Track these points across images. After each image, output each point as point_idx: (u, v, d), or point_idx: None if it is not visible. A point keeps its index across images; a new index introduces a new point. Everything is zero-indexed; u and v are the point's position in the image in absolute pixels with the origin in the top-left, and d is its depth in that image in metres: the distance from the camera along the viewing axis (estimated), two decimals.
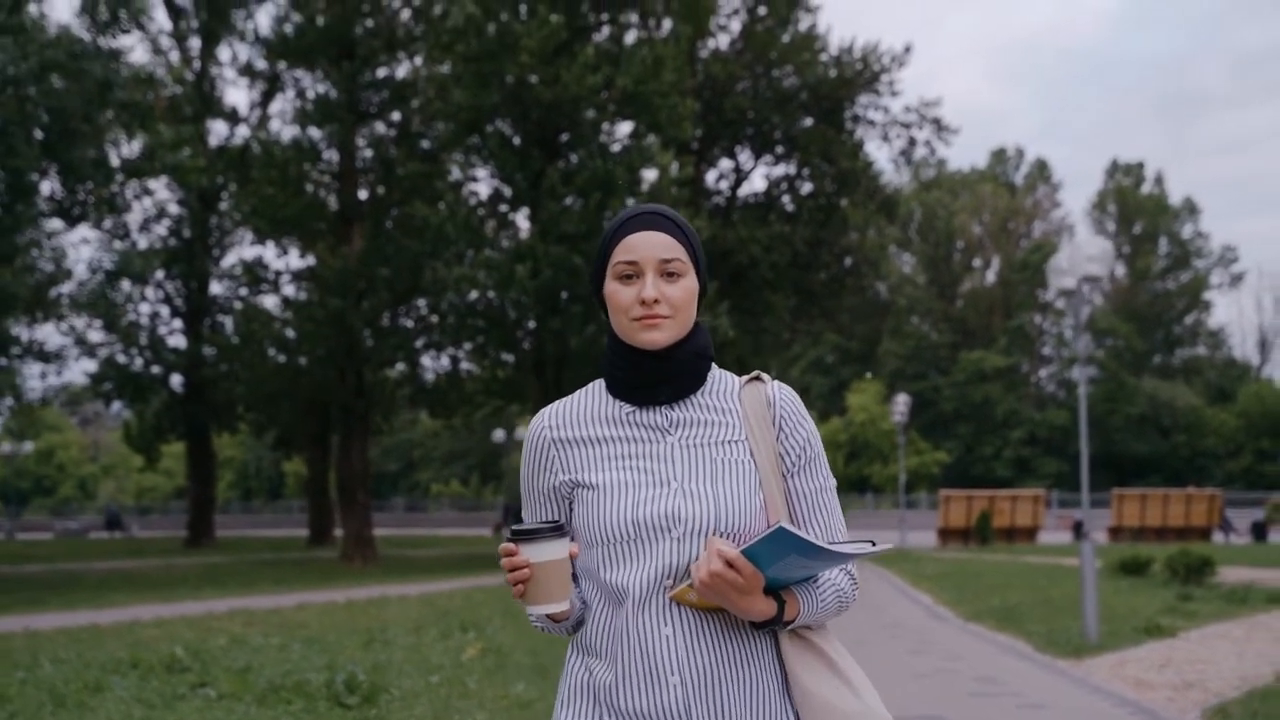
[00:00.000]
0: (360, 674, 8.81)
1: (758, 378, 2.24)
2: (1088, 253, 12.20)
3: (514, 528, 2.04)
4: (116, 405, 45.51)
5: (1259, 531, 37.31)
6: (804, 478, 2.20)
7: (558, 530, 2.01)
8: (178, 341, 42.27)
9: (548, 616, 2.12)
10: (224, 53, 42.65)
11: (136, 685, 9.21)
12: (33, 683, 9.39)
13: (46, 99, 22.98)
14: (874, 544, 2.10)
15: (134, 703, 8.46)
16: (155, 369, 41.65)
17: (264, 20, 73.28)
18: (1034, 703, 9.12)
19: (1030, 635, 13.19)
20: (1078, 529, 38.34)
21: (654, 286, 2.11)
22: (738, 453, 2.16)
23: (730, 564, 1.98)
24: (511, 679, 9.58)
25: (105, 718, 7.90)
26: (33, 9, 23.96)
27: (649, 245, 2.13)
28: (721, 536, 2.06)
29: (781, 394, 2.21)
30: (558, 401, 2.27)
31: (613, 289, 2.15)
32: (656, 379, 2.16)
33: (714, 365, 2.24)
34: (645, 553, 2.08)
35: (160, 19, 41.57)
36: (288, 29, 33.29)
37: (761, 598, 2.04)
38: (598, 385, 2.25)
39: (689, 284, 2.15)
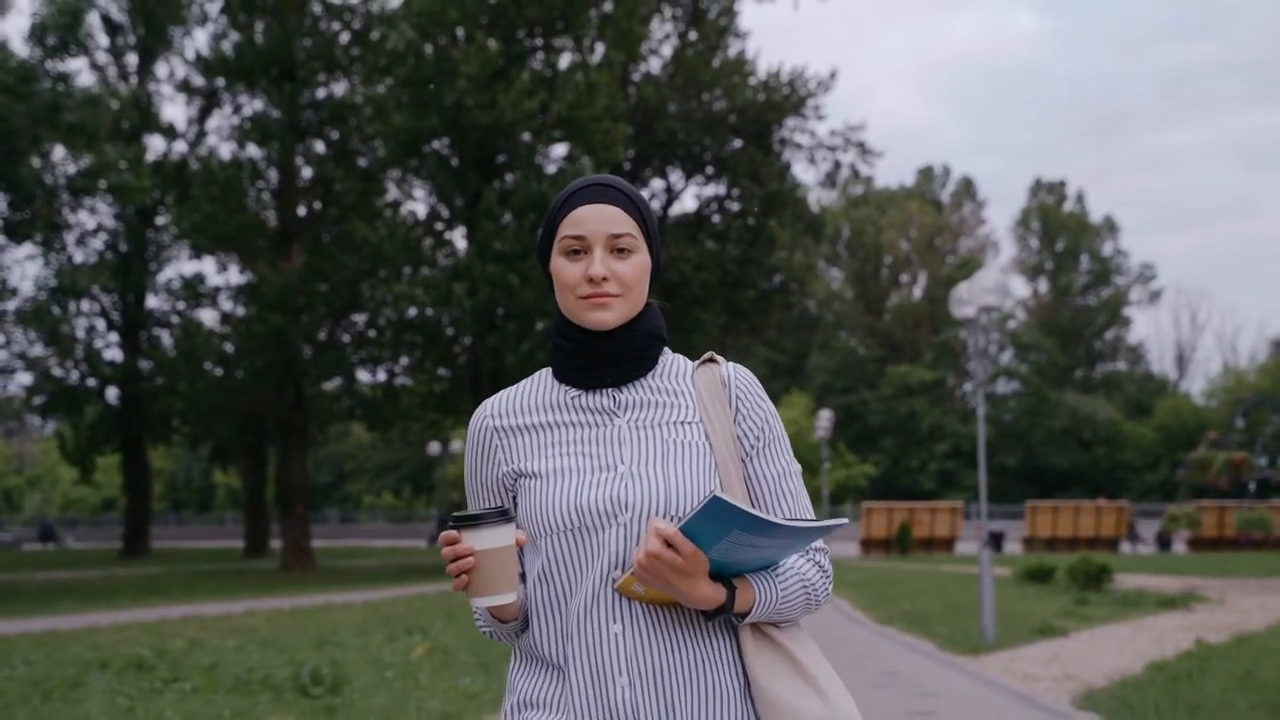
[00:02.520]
0: (324, 668, 9.71)
1: (711, 359, 2.13)
2: (985, 285, 13.41)
3: (455, 514, 1.94)
4: (42, 416, 45.89)
5: (1164, 542, 38.99)
6: (764, 461, 2.09)
7: (503, 515, 1.92)
8: (114, 355, 42.67)
9: (493, 615, 2.04)
10: (161, 68, 43.07)
11: (112, 682, 10.04)
12: (14, 679, 10.19)
13: None
14: (835, 520, 1.98)
15: (115, 695, 9.30)
16: (91, 382, 41.98)
17: (202, 38, 73.45)
18: (928, 692, 10.16)
19: (934, 636, 14.27)
20: (995, 540, 39.82)
21: (602, 263, 2.01)
22: (691, 434, 2.05)
23: (669, 543, 1.87)
24: (458, 674, 10.49)
25: (93, 707, 8.72)
26: None
27: (598, 219, 2.03)
28: (671, 520, 1.95)
29: (737, 374, 2.11)
30: (501, 391, 2.18)
31: (559, 265, 2.05)
32: (604, 360, 2.06)
33: (666, 349, 2.15)
34: (592, 542, 1.98)
35: (98, 36, 41.93)
36: (226, 47, 33.95)
37: (706, 582, 1.92)
38: (543, 373, 2.16)
39: (640, 260, 2.05)
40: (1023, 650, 12.89)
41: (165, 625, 15.90)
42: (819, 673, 2.02)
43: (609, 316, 2.02)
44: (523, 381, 2.17)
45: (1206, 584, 22.17)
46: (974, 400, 78.86)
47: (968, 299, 13.56)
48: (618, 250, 2.03)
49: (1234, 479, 22.68)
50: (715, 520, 1.84)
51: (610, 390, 2.08)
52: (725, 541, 1.87)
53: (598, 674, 1.96)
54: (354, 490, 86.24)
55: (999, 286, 13.56)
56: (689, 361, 2.15)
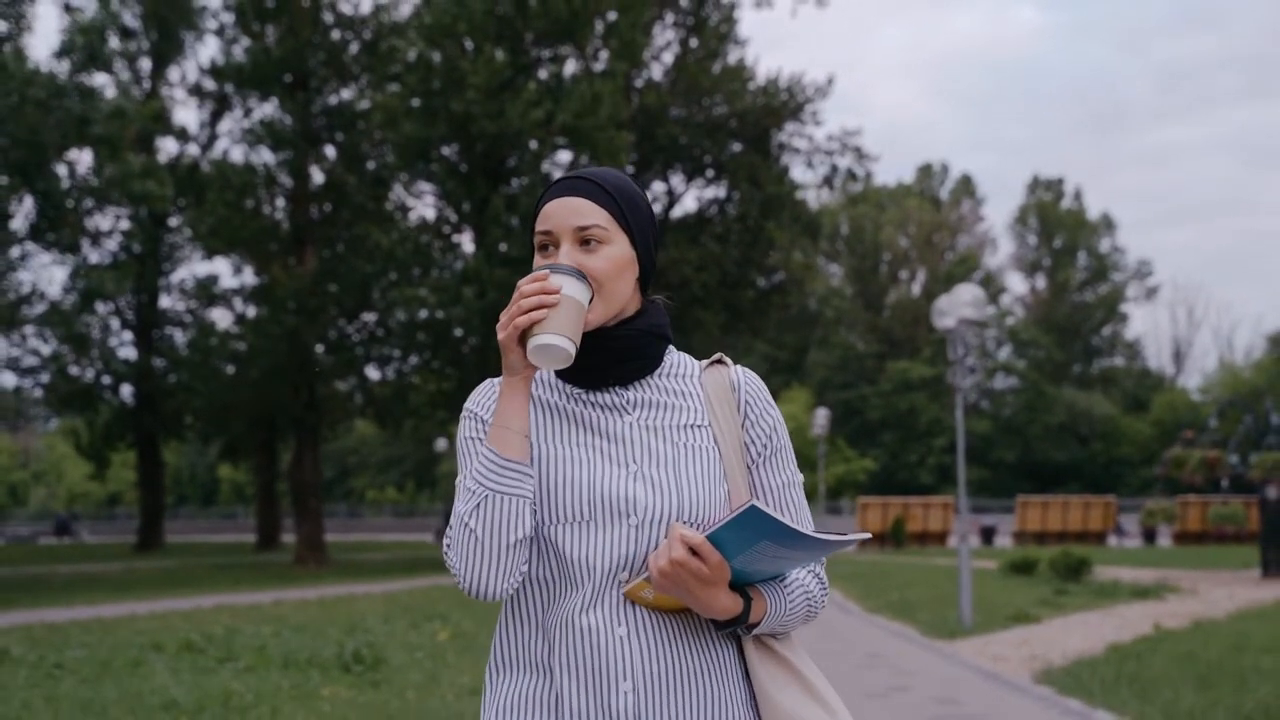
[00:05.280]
0: (363, 649, 10.81)
1: (720, 361, 2.06)
2: (964, 299, 14.50)
3: (542, 262, 1.92)
4: (49, 412, 47.09)
5: (1149, 535, 40.20)
6: (770, 469, 2.02)
7: (582, 275, 1.87)
8: (128, 353, 43.76)
9: (507, 433, 1.87)
10: (173, 72, 44.24)
11: (170, 661, 11.13)
12: (81, 660, 11.28)
13: (27, 133, 24.63)
14: (859, 534, 1.93)
15: (177, 672, 10.38)
16: (106, 379, 43.01)
17: (214, 43, 74.48)
18: (907, 671, 11.25)
19: (918, 623, 15.39)
20: (987, 534, 41.01)
21: (568, 257, 1.91)
22: (701, 438, 1.97)
23: (694, 551, 1.80)
24: (482, 656, 11.56)
25: (163, 680, 9.80)
26: (7, 48, 25.66)
27: (563, 212, 1.94)
28: (696, 528, 1.87)
29: (747, 378, 2.03)
30: None
31: (536, 263, 1.95)
32: (607, 360, 1.96)
33: (671, 347, 2.06)
34: (599, 538, 1.88)
35: (112, 42, 42.93)
36: (237, 52, 34.96)
37: (726, 592, 1.86)
38: None
39: (614, 253, 1.93)
40: (998, 635, 13.98)
41: (201, 613, 16.99)
42: (820, 685, 1.99)
43: None
44: None
45: (1183, 575, 23.28)
46: (967, 399, 79.98)
47: (948, 311, 14.66)
48: (586, 243, 1.93)
49: (1208, 476, 23.76)
50: (747, 530, 1.78)
51: (616, 388, 1.99)
52: (751, 551, 1.82)
53: (598, 678, 1.86)
54: (358, 485, 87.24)
55: (977, 300, 14.64)
56: (695, 361, 2.08)
